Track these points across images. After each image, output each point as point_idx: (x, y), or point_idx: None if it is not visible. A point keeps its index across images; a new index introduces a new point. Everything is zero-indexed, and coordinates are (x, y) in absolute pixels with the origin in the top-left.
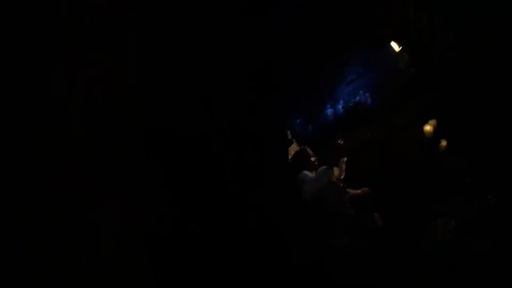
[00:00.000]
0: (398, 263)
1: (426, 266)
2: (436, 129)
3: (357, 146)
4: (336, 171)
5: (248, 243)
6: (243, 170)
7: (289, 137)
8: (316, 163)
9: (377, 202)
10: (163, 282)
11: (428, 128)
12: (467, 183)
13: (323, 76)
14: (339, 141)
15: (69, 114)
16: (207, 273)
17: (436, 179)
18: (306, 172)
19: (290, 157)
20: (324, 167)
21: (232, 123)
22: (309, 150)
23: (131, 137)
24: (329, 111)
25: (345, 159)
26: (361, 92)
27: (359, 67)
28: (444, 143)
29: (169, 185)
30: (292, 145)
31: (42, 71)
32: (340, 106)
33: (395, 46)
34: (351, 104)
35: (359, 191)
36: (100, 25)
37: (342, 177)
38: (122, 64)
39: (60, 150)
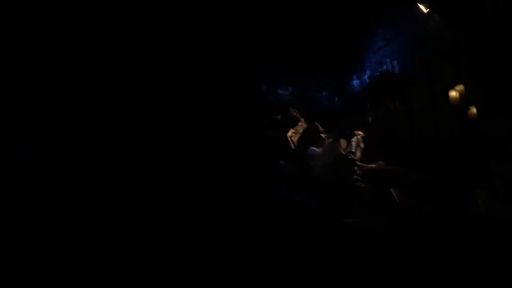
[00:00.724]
0: (421, 243)
1: (454, 246)
2: (463, 96)
3: (381, 118)
4: (343, 143)
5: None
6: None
7: (295, 114)
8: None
9: (398, 177)
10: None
11: (453, 94)
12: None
13: (348, 46)
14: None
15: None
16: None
17: (469, 149)
18: (314, 148)
19: (298, 134)
20: (331, 140)
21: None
22: (319, 126)
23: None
24: (356, 82)
25: (359, 131)
26: (387, 60)
27: (386, 33)
28: (473, 110)
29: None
30: (299, 123)
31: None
32: (366, 77)
33: (423, 7)
34: (377, 73)
35: (373, 165)
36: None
37: (353, 149)
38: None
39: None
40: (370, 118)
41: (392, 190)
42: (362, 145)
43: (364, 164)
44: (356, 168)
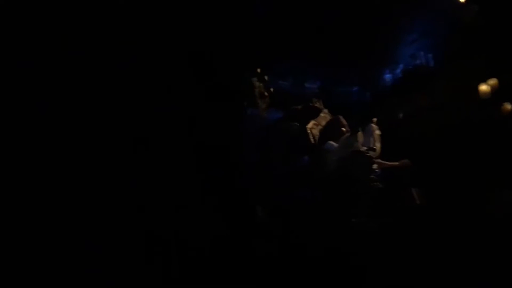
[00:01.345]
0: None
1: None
2: (495, 90)
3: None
4: (360, 137)
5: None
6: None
7: (318, 105)
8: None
9: (420, 176)
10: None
11: (484, 88)
12: None
13: (380, 39)
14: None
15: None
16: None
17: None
18: (331, 142)
19: (319, 127)
20: (348, 134)
21: None
22: (342, 119)
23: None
24: (388, 76)
25: (376, 125)
26: (421, 53)
27: (420, 25)
28: (508, 106)
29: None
30: (322, 114)
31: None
32: (399, 70)
33: None
34: (411, 67)
35: (396, 163)
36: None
37: (371, 145)
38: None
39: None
40: (400, 114)
41: (413, 190)
42: (377, 132)
43: (384, 162)
44: (375, 166)
